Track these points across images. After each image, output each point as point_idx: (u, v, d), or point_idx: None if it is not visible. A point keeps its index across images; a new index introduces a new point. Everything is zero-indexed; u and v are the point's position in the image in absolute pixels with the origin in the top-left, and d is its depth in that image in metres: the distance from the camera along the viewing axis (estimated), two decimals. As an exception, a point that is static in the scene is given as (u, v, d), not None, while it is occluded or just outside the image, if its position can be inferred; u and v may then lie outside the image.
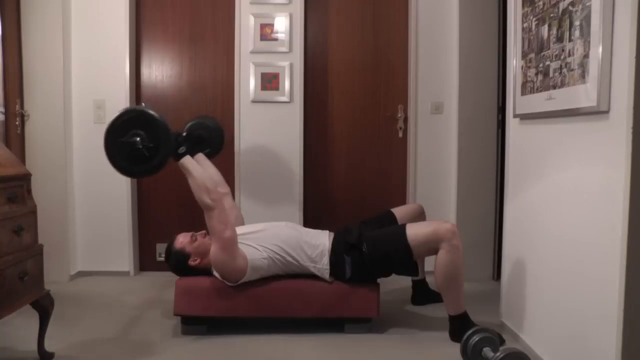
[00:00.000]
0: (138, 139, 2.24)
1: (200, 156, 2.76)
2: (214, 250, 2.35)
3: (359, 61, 3.52)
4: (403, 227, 2.42)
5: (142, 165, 2.29)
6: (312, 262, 2.43)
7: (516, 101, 2.34)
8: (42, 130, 3.23)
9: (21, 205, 2.05)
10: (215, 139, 3.03)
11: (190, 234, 2.51)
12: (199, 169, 2.39)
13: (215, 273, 2.43)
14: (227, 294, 2.41)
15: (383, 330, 2.50)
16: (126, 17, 3.36)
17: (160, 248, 3.46)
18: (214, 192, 2.33)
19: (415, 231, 2.36)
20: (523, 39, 2.25)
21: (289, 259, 2.42)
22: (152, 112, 2.30)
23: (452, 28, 3.39)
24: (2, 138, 3.02)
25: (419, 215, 2.79)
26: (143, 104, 3.13)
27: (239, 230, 2.47)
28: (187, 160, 2.36)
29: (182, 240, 2.49)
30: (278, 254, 2.41)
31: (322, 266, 2.43)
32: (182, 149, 2.36)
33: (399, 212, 2.77)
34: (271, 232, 2.47)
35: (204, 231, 2.55)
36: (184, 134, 2.81)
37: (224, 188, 2.74)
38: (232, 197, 2.88)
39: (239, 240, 2.38)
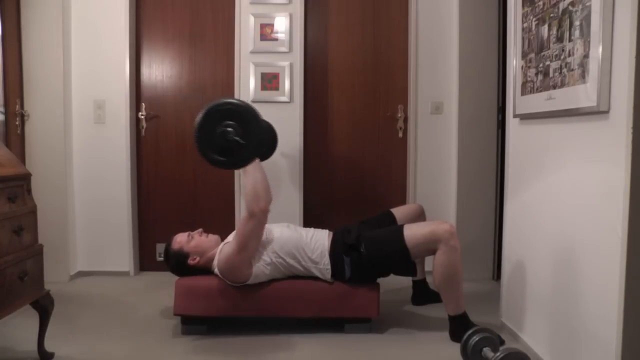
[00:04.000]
0: (231, 130, 2.25)
1: (257, 160, 2.60)
2: (230, 251, 2.35)
3: (359, 61, 3.52)
4: (401, 227, 2.42)
5: (226, 156, 2.31)
6: (313, 263, 2.43)
7: (516, 101, 2.34)
8: (42, 130, 3.22)
9: (21, 205, 2.05)
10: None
11: (186, 233, 2.52)
12: (260, 174, 2.36)
13: (217, 270, 2.43)
14: (227, 294, 2.41)
15: (383, 330, 2.50)
16: (126, 17, 3.36)
17: (160, 248, 3.47)
18: (266, 203, 2.32)
19: (413, 232, 2.36)
20: (523, 39, 2.25)
21: (291, 261, 2.42)
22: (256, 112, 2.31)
23: (452, 28, 3.39)
24: (2, 138, 3.02)
25: (419, 216, 2.78)
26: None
27: None
28: (255, 162, 2.36)
29: (180, 240, 2.50)
30: (281, 258, 2.41)
31: (324, 266, 2.43)
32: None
33: (398, 212, 2.77)
34: (274, 235, 2.46)
35: (200, 229, 2.55)
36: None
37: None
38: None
39: None
